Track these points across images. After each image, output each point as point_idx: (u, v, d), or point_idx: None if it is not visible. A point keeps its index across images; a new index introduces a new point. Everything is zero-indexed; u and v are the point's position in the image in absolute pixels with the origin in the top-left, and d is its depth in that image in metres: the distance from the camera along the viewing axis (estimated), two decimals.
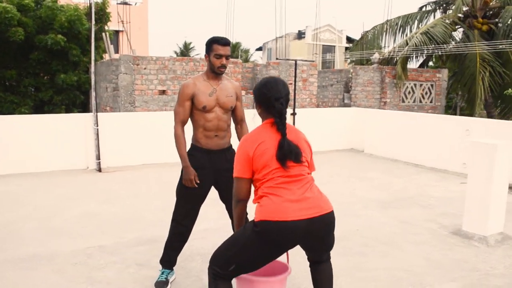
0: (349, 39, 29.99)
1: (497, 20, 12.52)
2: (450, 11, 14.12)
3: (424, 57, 14.41)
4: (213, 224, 4.67)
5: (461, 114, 14.95)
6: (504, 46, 11.40)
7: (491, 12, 13.05)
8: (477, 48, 11.62)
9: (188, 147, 3.29)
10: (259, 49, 36.90)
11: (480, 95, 11.10)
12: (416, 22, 14.22)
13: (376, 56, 12.70)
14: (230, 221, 3.39)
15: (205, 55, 3.23)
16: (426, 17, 14.14)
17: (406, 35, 14.06)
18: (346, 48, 30.61)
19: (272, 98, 2.38)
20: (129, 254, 3.95)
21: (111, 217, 5.04)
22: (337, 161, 8.72)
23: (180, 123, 3.22)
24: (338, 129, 9.63)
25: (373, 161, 8.73)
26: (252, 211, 2.41)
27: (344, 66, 26.98)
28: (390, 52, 13.49)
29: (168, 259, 3.37)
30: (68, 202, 5.62)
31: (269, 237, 2.24)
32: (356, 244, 4.24)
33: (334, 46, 29.24)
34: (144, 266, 3.70)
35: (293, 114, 8.88)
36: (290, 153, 2.31)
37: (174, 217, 3.34)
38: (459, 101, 16.52)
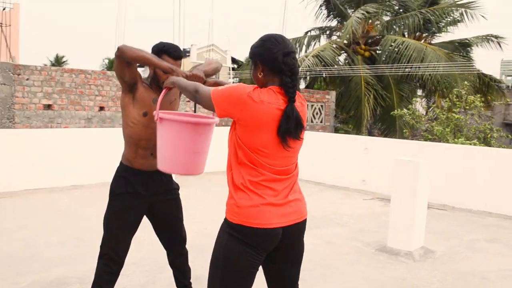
0: (234, 60, 30.41)
1: (377, 47, 13.62)
2: (335, 37, 15.07)
3: (310, 79, 15.08)
4: (145, 254, 4.06)
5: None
6: (384, 71, 12.39)
7: (371, 40, 14.17)
8: (362, 72, 12.46)
9: (116, 159, 2.74)
10: (140, 66, 35.62)
11: (366, 115, 11.87)
12: (304, 45, 14.86)
13: None
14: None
15: None
16: (314, 42, 14.87)
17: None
18: (232, 69, 31.06)
19: (280, 53, 1.91)
20: None
21: None
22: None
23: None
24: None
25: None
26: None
27: None
28: None
29: None
30: None
31: (249, 242, 1.89)
32: None
33: None
34: None
35: None
36: (295, 126, 1.89)
37: (102, 252, 2.75)
38: (335, 122, 17.57)
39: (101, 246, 2.76)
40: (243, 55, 40.33)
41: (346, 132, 13.84)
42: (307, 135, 10.75)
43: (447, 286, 3.73)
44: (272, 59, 1.91)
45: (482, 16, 12.87)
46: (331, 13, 14.56)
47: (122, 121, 2.75)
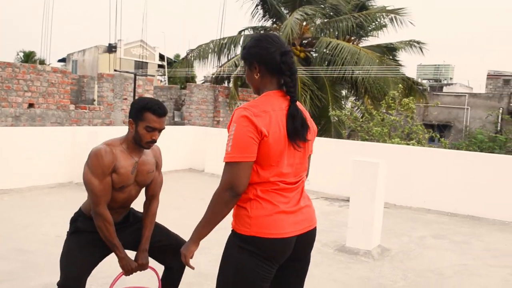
0: (161, 57, 29.71)
1: (312, 49, 13.91)
2: None
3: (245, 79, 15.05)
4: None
5: None
6: (320, 72, 12.69)
7: (306, 42, 14.44)
8: (298, 73, 12.67)
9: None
10: (62, 60, 33.62)
11: None
12: (239, 45, 14.81)
13: (207, 75, 12.73)
14: None
15: (129, 120, 2.46)
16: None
17: (232, 56, 14.52)
18: (159, 66, 30.30)
19: (278, 52, 1.82)
20: None
21: None
22: (183, 182, 8.25)
23: (104, 203, 2.40)
24: (176, 148, 9.17)
25: (218, 181, 8.51)
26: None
27: (157, 84, 26.52)
28: (220, 71, 13.71)
29: None
30: None
31: (264, 254, 1.77)
32: None
33: (147, 62, 28.57)
34: None
35: None
36: (302, 126, 1.80)
37: None
38: None
39: (58, 285, 2.46)
40: (177, 52, 39.54)
41: None
42: None
43: (410, 284, 3.84)
44: (270, 58, 1.82)
45: (411, 23, 13.65)
46: (267, 13, 14.67)
47: None
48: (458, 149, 10.33)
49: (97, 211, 2.38)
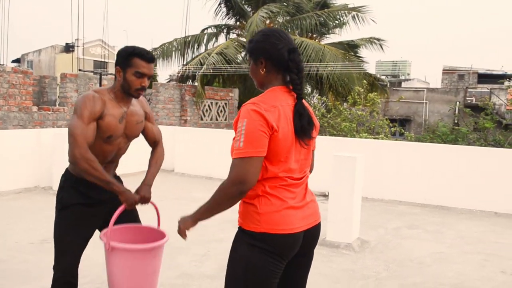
0: None
1: None
2: (233, 35, 15.15)
3: (210, 77, 14.98)
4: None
5: None
6: None
7: None
8: None
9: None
10: (16, 61, 32.28)
11: None
12: (203, 43, 14.71)
13: (173, 73, 12.55)
14: None
15: (116, 68, 2.38)
16: (215, 39, 14.79)
17: (196, 54, 14.39)
18: None
19: (285, 49, 1.80)
20: None
21: None
22: (153, 183, 8.10)
23: (86, 146, 2.26)
24: (143, 148, 8.97)
25: (189, 181, 8.44)
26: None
27: None
28: (186, 69, 13.54)
29: None
30: None
31: (274, 250, 1.75)
32: None
33: (107, 62, 27.86)
34: None
35: None
36: (308, 124, 1.80)
37: (59, 274, 2.38)
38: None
39: (55, 267, 2.39)
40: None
41: None
42: (217, 133, 10.78)
43: (393, 274, 3.93)
44: (277, 55, 1.80)
45: (372, 20, 13.96)
46: (231, 11, 14.62)
47: None
48: (422, 142, 10.66)
49: (78, 154, 2.22)
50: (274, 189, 1.77)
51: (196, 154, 8.93)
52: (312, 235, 1.88)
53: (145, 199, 2.44)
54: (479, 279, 3.87)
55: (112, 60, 30.05)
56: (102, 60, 27.94)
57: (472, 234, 5.31)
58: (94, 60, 27.87)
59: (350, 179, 4.60)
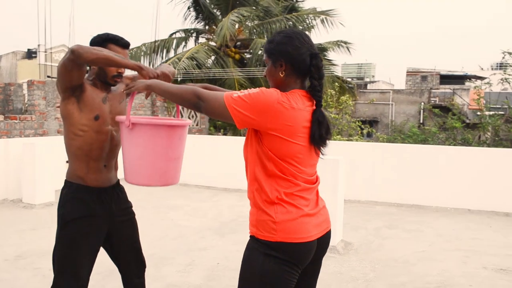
0: None
1: (247, 50, 13.98)
2: (203, 40, 15.04)
3: (181, 81, 14.83)
4: None
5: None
6: (256, 73, 12.78)
7: (240, 43, 14.47)
8: (235, 74, 12.67)
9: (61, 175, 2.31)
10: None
11: None
12: (172, 48, 14.54)
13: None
14: None
15: None
16: (184, 43, 14.65)
17: (166, 59, 14.21)
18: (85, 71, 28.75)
19: (307, 54, 1.76)
20: None
21: None
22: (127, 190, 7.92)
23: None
24: None
25: (164, 188, 8.28)
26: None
27: None
28: None
29: None
30: None
31: (291, 259, 1.72)
32: (232, 280, 3.83)
33: None
34: None
35: None
36: (326, 133, 1.77)
37: None
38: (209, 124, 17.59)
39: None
40: None
41: (225, 134, 13.94)
42: (190, 139, 10.71)
43: (380, 275, 3.97)
44: (300, 60, 1.76)
45: (341, 24, 14.15)
46: (200, 15, 14.51)
47: (66, 133, 2.32)
48: (394, 142, 10.88)
49: (76, 47, 2.05)
50: (289, 196, 1.73)
51: None
52: (323, 242, 1.86)
53: (166, 74, 2.20)
54: (463, 275, 3.95)
55: None
56: None
57: (449, 231, 5.44)
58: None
59: (333, 181, 4.62)
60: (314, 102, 1.79)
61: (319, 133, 1.74)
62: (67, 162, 2.40)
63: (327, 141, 1.81)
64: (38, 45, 25.21)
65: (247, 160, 1.81)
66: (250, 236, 1.80)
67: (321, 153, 1.82)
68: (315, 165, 1.86)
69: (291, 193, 1.73)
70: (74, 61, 2.08)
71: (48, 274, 3.85)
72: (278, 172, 1.73)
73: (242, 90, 1.73)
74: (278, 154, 1.71)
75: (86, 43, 2.25)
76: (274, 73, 1.81)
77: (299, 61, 1.76)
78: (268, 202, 1.73)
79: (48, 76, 9.04)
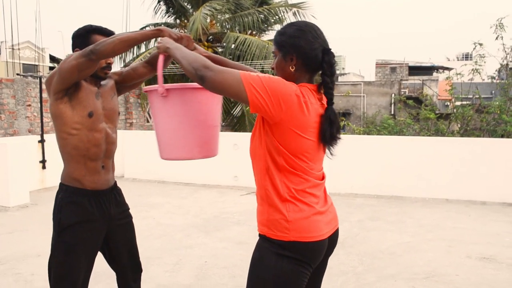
0: (52, 58, 27.51)
1: (220, 44, 13.83)
2: None
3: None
4: None
5: None
6: None
7: (212, 37, 14.33)
8: None
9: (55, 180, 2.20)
10: None
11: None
12: (143, 44, 14.26)
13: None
14: None
15: (75, 50, 2.18)
16: (155, 38, 14.37)
17: (136, 54, 13.92)
18: (50, 68, 28.02)
19: (320, 49, 1.70)
20: None
21: None
22: None
23: None
24: None
25: (143, 186, 8.13)
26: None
27: None
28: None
29: None
30: None
31: (304, 258, 1.68)
32: (223, 278, 3.79)
33: (37, 65, 26.29)
34: None
35: (41, 141, 7.45)
36: (337, 132, 1.72)
37: None
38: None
39: None
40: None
41: None
42: None
43: (369, 267, 4.00)
44: (312, 55, 1.70)
45: (313, 16, 14.16)
46: (171, 8, 14.27)
47: (58, 133, 2.22)
48: (370, 134, 11.02)
49: (93, 49, 2.01)
50: (300, 193, 1.69)
51: (146, 158, 8.62)
52: (333, 240, 1.83)
53: (188, 37, 2.07)
54: (449, 265, 4.03)
55: (44, 63, 28.45)
56: (33, 63, 26.34)
57: (431, 221, 5.54)
58: (23, 64, 26.19)
59: None
60: (323, 98, 1.75)
61: (331, 132, 1.70)
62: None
63: (338, 140, 1.77)
64: (1, 42, 24.39)
65: (255, 154, 1.76)
66: (260, 236, 1.75)
67: (331, 153, 1.78)
68: (322, 161, 1.82)
69: (302, 189, 1.69)
70: (95, 60, 2.03)
71: (30, 279, 3.71)
72: (288, 167, 1.68)
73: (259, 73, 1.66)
74: (289, 149, 1.67)
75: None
76: (283, 67, 1.74)
77: (311, 57, 1.70)
78: (280, 199, 1.68)
79: (18, 74, 8.70)
